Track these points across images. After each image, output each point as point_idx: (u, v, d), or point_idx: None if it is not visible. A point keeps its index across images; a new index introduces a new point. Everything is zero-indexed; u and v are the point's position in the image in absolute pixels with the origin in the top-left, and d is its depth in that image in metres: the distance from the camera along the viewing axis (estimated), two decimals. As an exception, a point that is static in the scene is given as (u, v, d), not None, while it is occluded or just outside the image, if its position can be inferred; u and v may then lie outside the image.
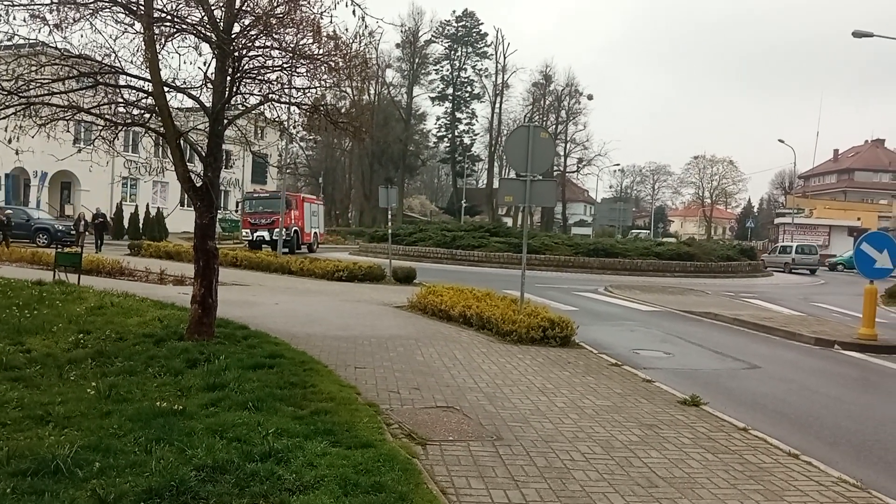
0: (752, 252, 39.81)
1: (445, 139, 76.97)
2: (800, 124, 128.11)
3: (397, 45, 68.68)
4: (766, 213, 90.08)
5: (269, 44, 8.72)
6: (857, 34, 25.95)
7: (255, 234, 32.69)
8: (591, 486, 4.70)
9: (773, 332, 13.58)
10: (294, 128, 13.12)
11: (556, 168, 66.99)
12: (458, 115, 75.37)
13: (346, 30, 8.72)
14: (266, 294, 15.05)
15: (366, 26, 8.44)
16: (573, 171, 75.64)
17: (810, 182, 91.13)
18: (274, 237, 30.58)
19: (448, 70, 74.30)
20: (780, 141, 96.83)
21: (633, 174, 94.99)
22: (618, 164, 78.41)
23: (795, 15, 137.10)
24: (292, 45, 8.68)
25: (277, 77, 9.22)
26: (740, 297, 21.22)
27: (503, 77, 69.96)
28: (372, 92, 64.92)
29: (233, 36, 8.26)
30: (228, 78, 8.50)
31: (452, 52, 74.27)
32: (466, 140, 76.21)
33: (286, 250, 28.17)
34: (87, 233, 29.39)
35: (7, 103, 7.85)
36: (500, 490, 4.52)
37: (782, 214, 70.68)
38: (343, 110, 12.09)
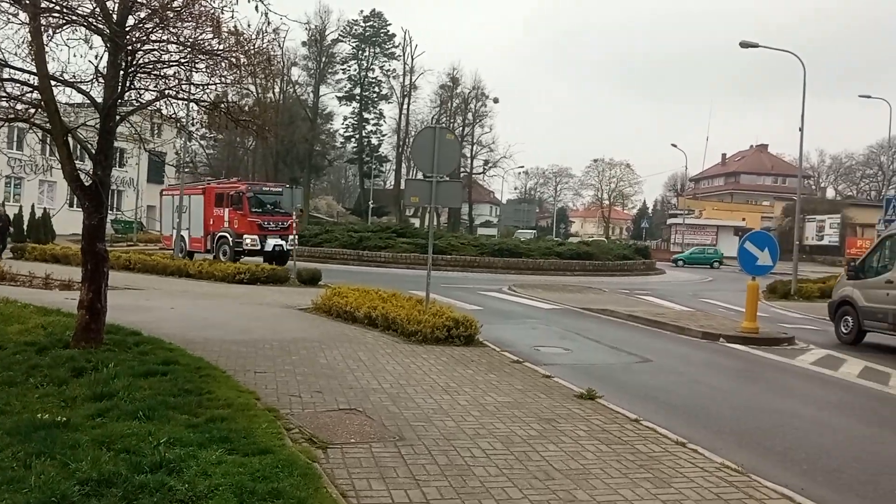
0: (647, 251, 41.76)
1: (353, 139, 76.30)
2: (692, 129, 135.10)
3: (303, 44, 67.53)
4: (660, 214, 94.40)
5: (165, 38, 8.41)
6: (744, 44, 27.51)
7: (271, 244, 24.89)
8: (491, 482, 4.79)
9: (665, 328, 14.27)
10: (193, 125, 12.70)
11: (462, 169, 67.70)
12: (366, 115, 74.88)
13: (249, 26, 8.54)
14: (161, 298, 14.45)
15: (268, 23, 8.30)
16: (479, 173, 76.62)
17: (700, 184, 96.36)
18: (288, 247, 24.81)
19: (355, 70, 73.70)
20: (672, 145, 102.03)
21: (536, 176, 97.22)
22: (522, 167, 79.98)
23: (686, 26, 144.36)
24: (191, 40, 8.40)
25: (175, 72, 8.89)
26: (635, 295, 22.15)
27: (411, 78, 70.06)
28: (277, 90, 63.68)
29: (127, 29, 7.90)
30: (121, 72, 8.13)
31: (360, 52, 73.71)
32: (374, 141, 75.87)
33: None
34: None
35: None
36: (400, 490, 4.54)
37: (674, 215, 74.41)
38: (247, 108, 11.78)
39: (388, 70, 73.53)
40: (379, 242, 32.77)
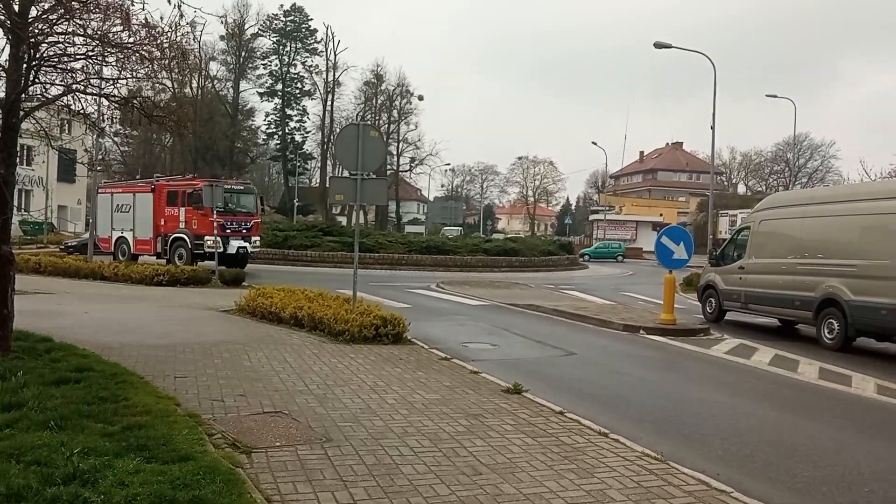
0: (570, 247, 42.74)
1: (276, 136, 74.88)
2: (611, 127, 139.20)
3: (221, 38, 65.74)
4: (583, 211, 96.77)
5: (71, 29, 8.03)
6: (658, 45, 28.53)
7: (235, 246, 23.05)
8: (419, 480, 4.80)
9: (588, 321, 14.62)
10: (105, 121, 12.20)
11: (389, 167, 67.48)
12: (289, 111, 73.62)
13: (162, 18, 8.26)
14: (75, 302, 13.82)
15: (181, 15, 8.04)
16: (406, 171, 76.57)
17: (620, 181, 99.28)
18: (252, 249, 24.08)
19: (277, 65, 72.32)
20: (593, 143, 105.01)
21: (462, 174, 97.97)
22: (448, 164, 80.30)
23: (605, 28, 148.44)
24: (99, 33, 8.05)
25: (83, 66, 8.51)
26: (560, 289, 22.62)
27: (334, 74, 69.21)
28: (195, 85, 61.80)
29: (29, 20, 7.50)
30: (24, 66, 7.72)
31: (281, 48, 72.37)
32: (298, 137, 74.64)
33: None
34: None
35: None
36: (327, 492, 4.48)
37: (596, 211, 76.34)
38: (163, 103, 11.35)
39: (311, 66, 72.60)
40: (305, 241, 32.27)
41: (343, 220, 64.00)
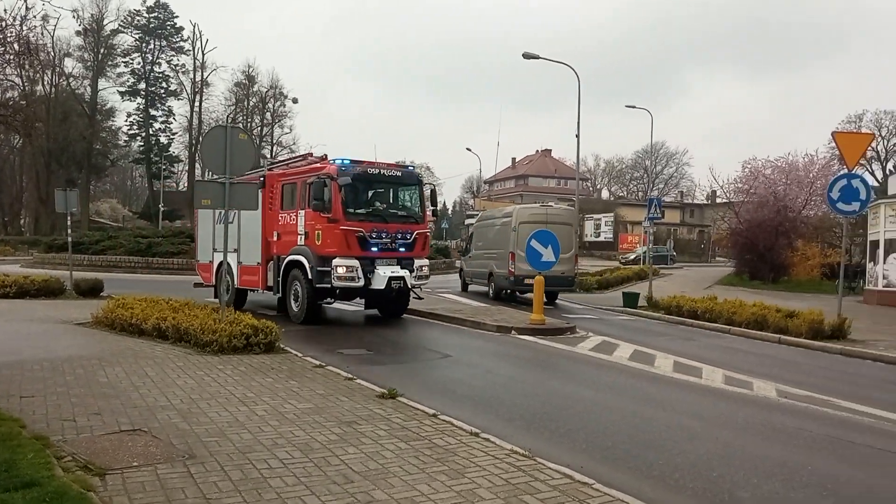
0: (447, 251, 43.45)
1: (138, 138, 70.91)
2: (485, 134, 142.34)
3: (78, 33, 61.46)
4: (459, 215, 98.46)
5: None
6: (527, 56, 29.54)
7: (384, 275, 13.93)
8: (288, 492, 4.68)
9: (463, 323, 14.87)
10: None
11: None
12: (153, 112, 70.05)
13: (6, 10, 7.64)
14: None
15: (27, 8, 7.46)
16: (281, 175, 74.77)
17: (494, 186, 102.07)
18: (414, 281, 14.62)
19: (139, 64, 68.58)
20: (468, 149, 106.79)
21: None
22: (325, 169, 79.12)
23: (480, 38, 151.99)
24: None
25: None
26: (436, 293, 22.84)
27: (202, 75, 66.53)
28: (47, 82, 57.51)
29: None
30: None
31: (144, 45, 68.70)
32: (163, 139, 71.11)
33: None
34: None
35: None
36: (189, 511, 4.28)
37: (472, 216, 77.82)
38: (10, 102, 10.48)
39: (177, 65, 69.46)
40: (171, 248, 30.77)
41: (214, 226, 61.34)
